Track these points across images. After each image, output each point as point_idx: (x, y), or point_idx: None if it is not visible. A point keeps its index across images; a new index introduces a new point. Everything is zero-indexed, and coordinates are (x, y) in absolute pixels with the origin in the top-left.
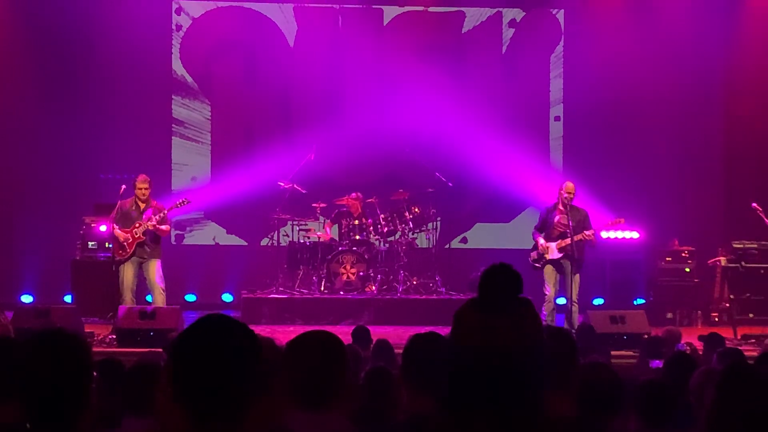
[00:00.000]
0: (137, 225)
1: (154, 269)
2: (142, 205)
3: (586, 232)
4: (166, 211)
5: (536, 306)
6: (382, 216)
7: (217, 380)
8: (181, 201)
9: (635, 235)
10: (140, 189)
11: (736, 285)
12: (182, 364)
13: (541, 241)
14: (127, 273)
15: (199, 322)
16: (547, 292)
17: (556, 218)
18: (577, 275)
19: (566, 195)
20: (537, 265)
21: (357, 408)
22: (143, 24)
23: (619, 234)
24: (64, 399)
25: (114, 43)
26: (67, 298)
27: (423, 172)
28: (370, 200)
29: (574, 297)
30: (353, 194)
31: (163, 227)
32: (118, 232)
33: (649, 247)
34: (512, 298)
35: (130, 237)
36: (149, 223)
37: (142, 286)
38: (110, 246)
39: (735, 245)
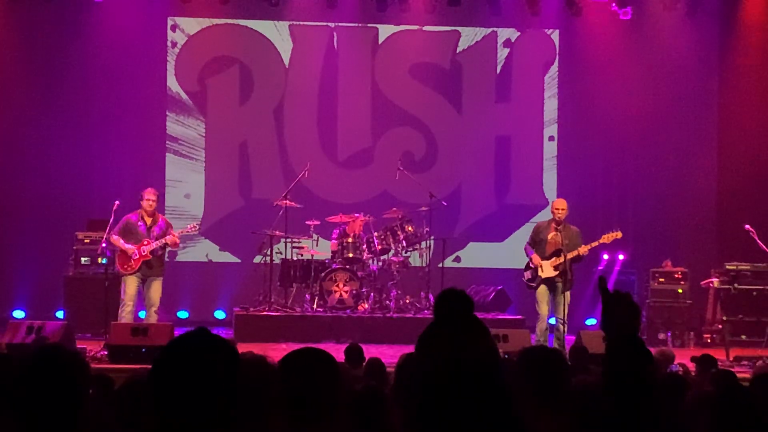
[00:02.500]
0: (145, 243)
1: (156, 288)
2: (149, 220)
3: (581, 249)
4: (176, 236)
5: (530, 325)
6: (376, 234)
7: (194, 397)
8: (192, 227)
9: (620, 257)
10: (148, 201)
11: (729, 306)
12: (161, 382)
13: (534, 258)
14: (132, 286)
15: (178, 340)
16: (540, 312)
17: (550, 236)
18: (568, 293)
19: (557, 212)
20: (532, 284)
21: (348, 427)
22: (139, 40)
23: (610, 244)
24: (62, 415)
25: (109, 59)
26: (59, 314)
27: (417, 190)
28: (364, 218)
29: (564, 316)
30: (356, 215)
31: (178, 241)
32: (124, 244)
33: (642, 267)
34: (464, 318)
35: (137, 254)
36: (158, 243)
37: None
38: (104, 261)
39: (728, 267)
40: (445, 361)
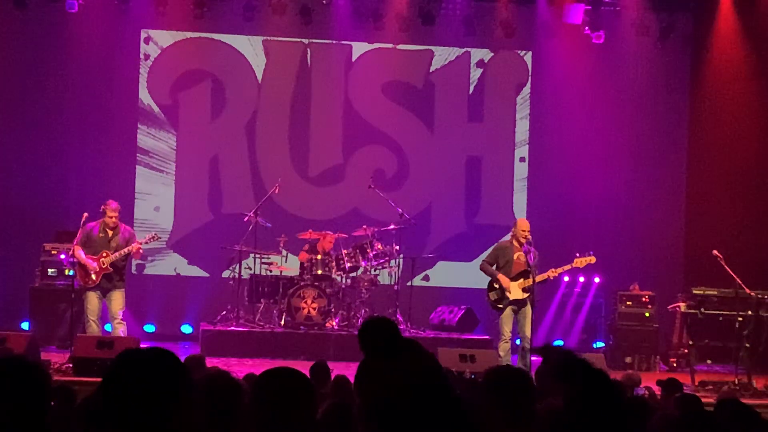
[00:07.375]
0: (104, 254)
1: (117, 299)
2: (110, 233)
3: (550, 273)
4: (139, 245)
5: (493, 345)
6: (345, 252)
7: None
8: (151, 236)
9: (596, 280)
10: (111, 217)
11: (695, 331)
12: (106, 400)
13: (503, 279)
14: (93, 300)
15: (118, 357)
16: (504, 333)
17: (516, 256)
18: (530, 311)
19: (523, 233)
20: (499, 305)
21: None
22: (112, 52)
23: (581, 278)
24: (22, 427)
25: (81, 71)
26: (25, 325)
27: (387, 209)
28: (333, 235)
29: (529, 334)
30: (326, 231)
31: (141, 250)
32: (84, 258)
33: (610, 290)
34: (395, 342)
35: (97, 267)
36: (117, 254)
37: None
38: (71, 273)
39: (695, 291)
40: (388, 394)
